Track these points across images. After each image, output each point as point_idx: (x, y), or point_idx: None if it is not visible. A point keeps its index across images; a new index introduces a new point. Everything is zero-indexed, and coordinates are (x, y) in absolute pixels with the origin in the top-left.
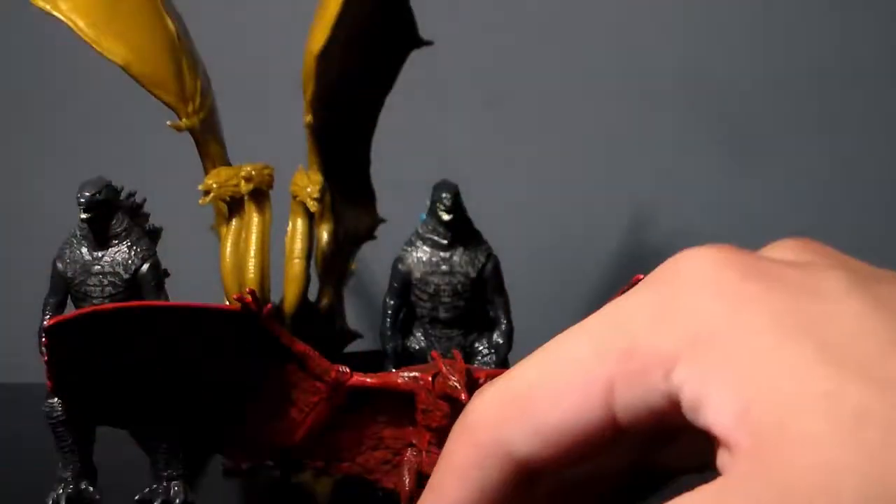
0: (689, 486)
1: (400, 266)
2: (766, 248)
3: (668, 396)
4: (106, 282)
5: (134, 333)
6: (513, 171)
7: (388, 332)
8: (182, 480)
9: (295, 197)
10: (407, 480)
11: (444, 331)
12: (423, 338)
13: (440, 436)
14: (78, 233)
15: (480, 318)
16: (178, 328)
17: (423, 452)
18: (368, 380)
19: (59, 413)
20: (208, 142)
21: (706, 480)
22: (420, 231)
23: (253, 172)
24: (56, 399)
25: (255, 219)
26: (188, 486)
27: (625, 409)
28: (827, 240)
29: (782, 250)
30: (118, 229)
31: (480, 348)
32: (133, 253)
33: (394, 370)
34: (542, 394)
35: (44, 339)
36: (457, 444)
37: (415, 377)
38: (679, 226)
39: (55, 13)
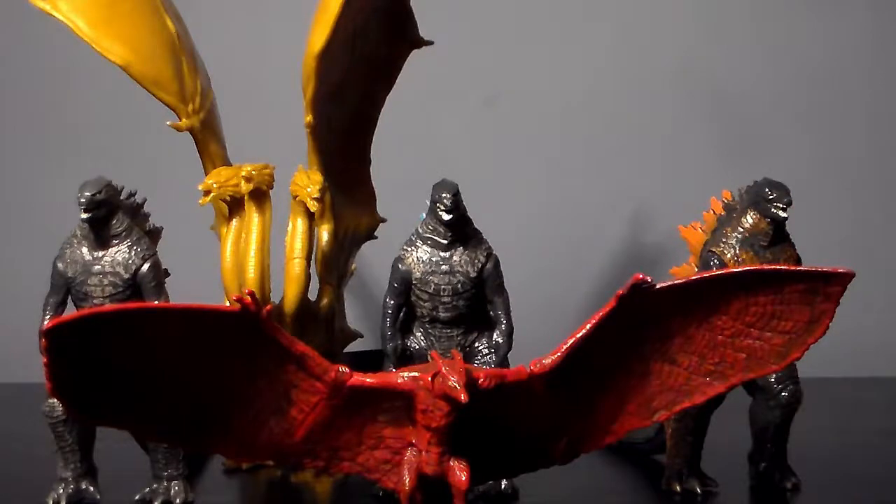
0: None
1: (400, 266)
2: None
3: None
4: (106, 281)
5: (133, 335)
6: (512, 171)
7: (389, 332)
8: (182, 480)
9: (295, 197)
10: (407, 480)
11: (444, 330)
12: (423, 338)
13: (440, 435)
14: (78, 233)
15: (480, 317)
16: (178, 329)
17: (423, 452)
18: (368, 380)
19: (59, 413)
20: (208, 142)
21: None
22: (420, 231)
23: (253, 172)
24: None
25: (255, 219)
26: (188, 486)
27: None
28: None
29: None
30: (118, 229)
31: (480, 348)
32: (133, 253)
33: (394, 370)
34: None
35: (43, 342)
36: None
37: (415, 377)
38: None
39: (55, 13)
